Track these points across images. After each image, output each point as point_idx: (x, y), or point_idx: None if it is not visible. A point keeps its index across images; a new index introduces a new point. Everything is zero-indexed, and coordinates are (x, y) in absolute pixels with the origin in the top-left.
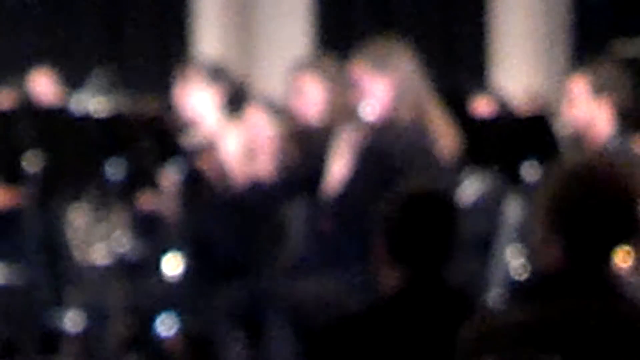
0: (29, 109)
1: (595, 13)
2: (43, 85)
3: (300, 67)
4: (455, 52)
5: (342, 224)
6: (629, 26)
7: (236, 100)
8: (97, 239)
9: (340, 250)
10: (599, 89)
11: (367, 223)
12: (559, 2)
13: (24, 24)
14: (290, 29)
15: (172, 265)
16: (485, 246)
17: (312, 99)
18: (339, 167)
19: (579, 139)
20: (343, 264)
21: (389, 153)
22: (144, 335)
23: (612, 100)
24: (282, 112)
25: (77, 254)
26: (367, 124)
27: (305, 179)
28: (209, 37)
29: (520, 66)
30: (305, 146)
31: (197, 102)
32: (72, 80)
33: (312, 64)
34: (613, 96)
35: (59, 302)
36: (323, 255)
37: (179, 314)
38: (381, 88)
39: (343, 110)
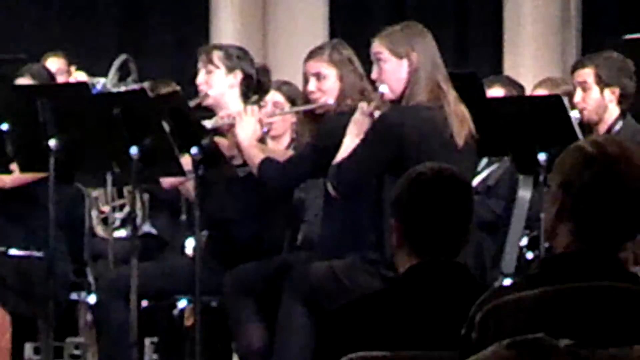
0: (52, 87)
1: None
2: (57, 71)
3: (316, 51)
4: (469, 38)
5: (345, 191)
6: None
7: (256, 83)
8: (117, 217)
9: (354, 227)
10: (607, 79)
11: (378, 200)
12: None
13: (44, 12)
14: (307, 15)
15: (192, 244)
16: (499, 228)
17: (327, 83)
18: (352, 144)
19: (588, 127)
20: (358, 242)
21: (400, 131)
22: (162, 313)
23: (618, 89)
24: (299, 96)
25: (98, 231)
26: (382, 103)
27: (322, 160)
28: (226, 24)
29: (533, 52)
30: (322, 128)
31: (218, 85)
32: (91, 69)
33: (326, 48)
34: (619, 85)
35: (79, 278)
36: (338, 235)
37: (197, 293)
38: (398, 70)
39: (358, 93)
